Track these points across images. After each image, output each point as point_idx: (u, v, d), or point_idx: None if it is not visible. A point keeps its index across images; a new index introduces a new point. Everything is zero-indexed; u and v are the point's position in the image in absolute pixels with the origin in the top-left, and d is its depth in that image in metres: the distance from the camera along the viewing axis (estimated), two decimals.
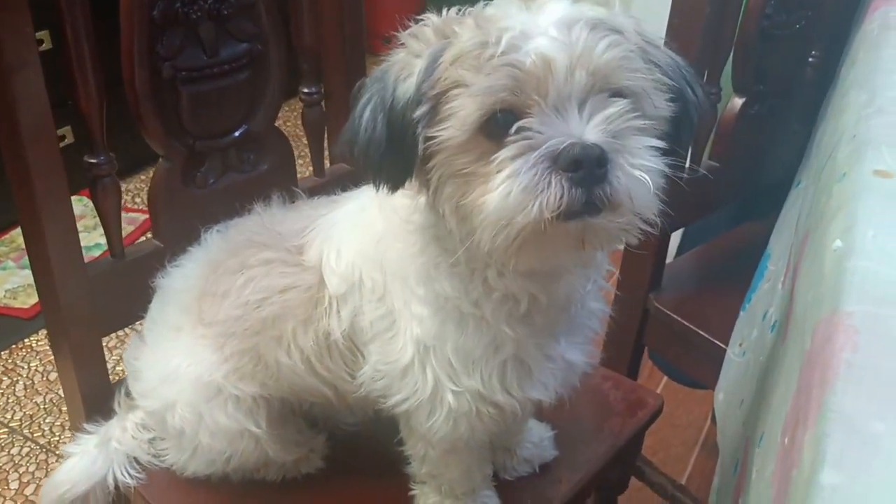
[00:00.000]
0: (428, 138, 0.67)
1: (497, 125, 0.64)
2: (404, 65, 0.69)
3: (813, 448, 0.40)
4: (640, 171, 0.64)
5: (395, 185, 0.71)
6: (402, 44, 0.71)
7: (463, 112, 0.64)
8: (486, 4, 0.71)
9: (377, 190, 0.72)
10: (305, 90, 1.20)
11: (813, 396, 0.44)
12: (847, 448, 0.39)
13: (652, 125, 0.67)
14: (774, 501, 0.49)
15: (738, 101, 1.31)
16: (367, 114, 0.69)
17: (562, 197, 0.62)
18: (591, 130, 0.63)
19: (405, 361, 0.81)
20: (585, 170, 0.62)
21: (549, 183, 0.62)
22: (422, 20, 0.71)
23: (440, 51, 0.67)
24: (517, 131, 0.64)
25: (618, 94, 0.66)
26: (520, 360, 0.81)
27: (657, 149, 0.66)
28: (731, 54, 1.27)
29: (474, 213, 0.66)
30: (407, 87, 0.68)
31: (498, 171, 0.64)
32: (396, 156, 0.68)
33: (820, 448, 0.39)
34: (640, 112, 0.66)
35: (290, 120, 2.84)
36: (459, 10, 0.72)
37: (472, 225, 0.67)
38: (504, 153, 0.64)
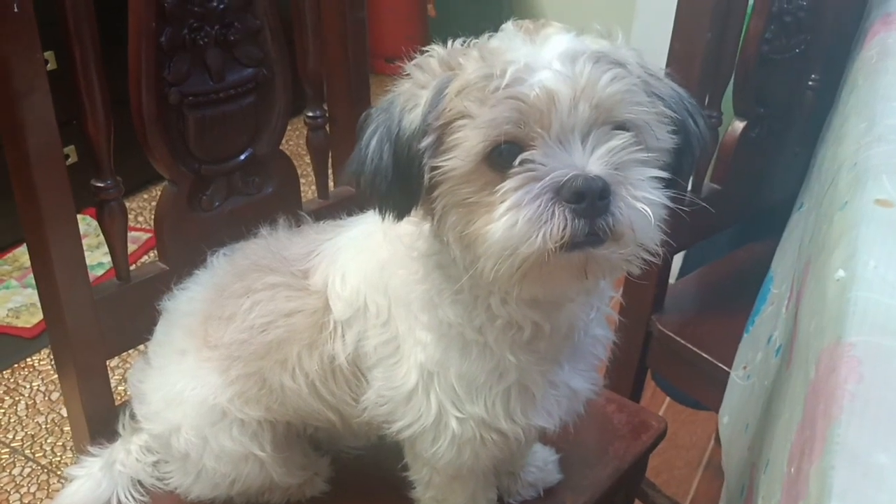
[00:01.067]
0: (433, 168, 0.68)
1: (501, 156, 0.66)
2: (410, 96, 0.70)
3: (819, 480, 0.40)
4: (642, 203, 0.65)
5: (400, 214, 0.72)
6: (408, 74, 0.72)
7: (468, 143, 0.66)
8: (490, 36, 0.72)
9: (382, 218, 0.72)
10: (310, 114, 1.21)
11: (818, 428, 0.45)
12: (852, 480, 0.39)
13: (654, 157, 0.68)
14: None
15: (739, 125, 1.32)
16: (373, 143, 0.70)
17: (565, 228, 0.63)
18: (594, 163, 0.64)
19: (409, 387, 0.82)
20: (588, 201, 0.63)
21: (553, 214, 0.63)
22: (427, 51, 0.72)
23: (446, 82, 0.68)
24: (521, 163, 0.65)
25: (620, 126, 0.67)
26: (524, 387, 0.81)
27: (659, 179, 0.67)
28: (732, 78, 1.29)
29: (478, 242, 0.67)
30: (413, 118, 0.69)
31: (502, 202, 0.65)
32: (402, 185, 0.69)
33: (826, 481, 0.39)
34: (642, 144, 0.67)
35: (292, 139, 2.85)
36: (465, 41, 0.73)
37: (475, 253, 0.68)
38: (508, 184, 0.65)
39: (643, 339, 1.37)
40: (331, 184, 1.29)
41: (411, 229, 0.79)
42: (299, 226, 0.98)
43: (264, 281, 0.90)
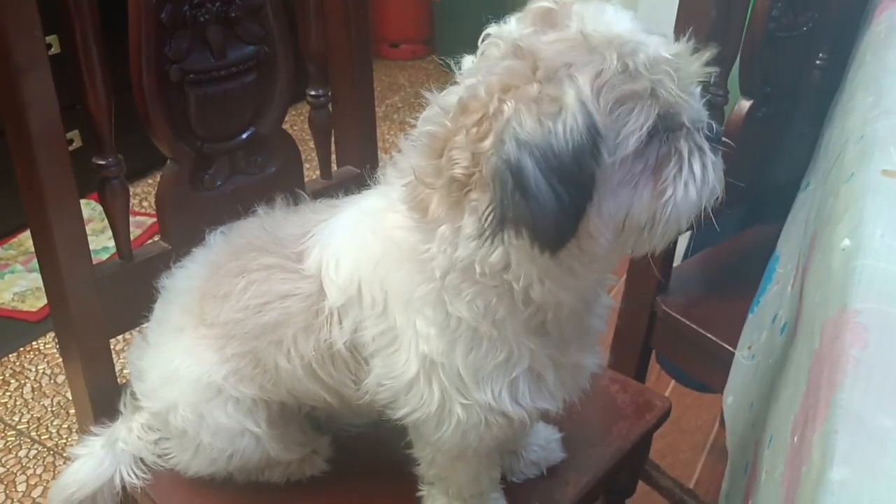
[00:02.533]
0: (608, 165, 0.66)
1: (666, 125, 0.68)
2: (535, 118, 0.64)
3: (822, 445, 0.40)
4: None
5: (567, 238, 0.68)
6: (489, 101, 0.66)
7: (641, 120, 0.66)
8: (506, 23, 0.71)
9: (552, 254, 0.68)
10: (312, 93, 1.20)
11: (822, 394, 0.44)
12: (856, 444, 0.39)
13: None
14: (784, 500, 0.48)
15: (746, 104, 1.31)
16: (542, 185, 0.63)
17: (721, 171, 0.72)
18: (705, 112, 0.72)
19: (409, 376, 0.81)
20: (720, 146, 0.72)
21: (715, 163, 0.72)
22: (491, 73, 0.68)
23: (575, 85, 0.64)
24: (677, 128, 0.69)
25: None
26: (533, 371, 0.81)
27: None
28: (738, 57, 1.27)
29: (644, 217, 0.69)
30: (570, 135, 0.63)
31: (678, 164, 0.69)
32: (575, 210, 0.66)
33: (829, 444, 0.39)
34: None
35: (296, 124, 2.85)
36: (483, 39, 0.71)
37: (634, 229, 0.70)
38: (683, 147, 0.70)
39: (648, 320, 1.36)
40: (333, 164, 1.28)
41: (404, 232, 0.77)
42: (297, 204, 0.97)
43: (259, 262, 0.89)
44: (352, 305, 0.83)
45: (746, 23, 1.25)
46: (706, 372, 1.35)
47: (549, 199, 0.63)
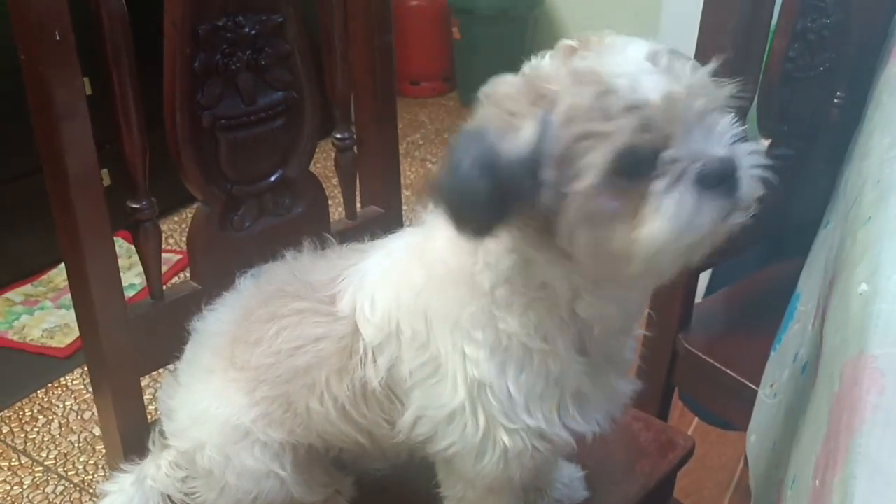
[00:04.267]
0: (562, 194, 0.69)
1: (633, 164, 0.68)
2: (501, 122, 0.70)
3: (841, 490, 0.41)
4: (756, 170, 0.72)
5: (479, 234, 0.73)
6: (484, 103, 0.73)
7: (599, 159, 0.67)
8: (541, 58, 0.73)
9: (463, 237, 0.73)
10: (338, 136, 1.23)
11: (841, 439, 0.45)
12: (873, 490, 0.39)
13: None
14: None
15: (764, 143, 1.33)
16: (465, 166, 0.70)
17: (718, 209, 0.69)
18: (718, 147, 0.70)
19: (454, 405, 0.82)
20: (729, 181, 0.69)
21: (707, 200, 0.69)
22: (499, 83, 0.73)
23: (548, 112, 0.69)
24: (662, 164, 0.68)
25: (716, 110, 0.72)
26: (579, 392, 0.82)
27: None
28: (756, 96, 1.29)
29: (621, 249, 0.70)
30: (514, 147, 0.69)
31: (653, 203, 0.68)
32: (495, 207, 0.70)
33: (848, 491, 0.40)
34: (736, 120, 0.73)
35: (319, 161, 2.89)
36: (528, 59, 0.74)
37: (614, 261, 0.71)
38: (657, 185, 0.68)
39: (669, 357, 1.36)
40: (358, 205, 1.31)
41: (449, 254, 0.81)
42: (324, 248, 1.00)
43: (291, 307, 0.91)
44: (389, 342, 0.85)
45: (764, 63, 1.27)
46: (729, 410, 1.35)
47: (463, 180, 0.69)
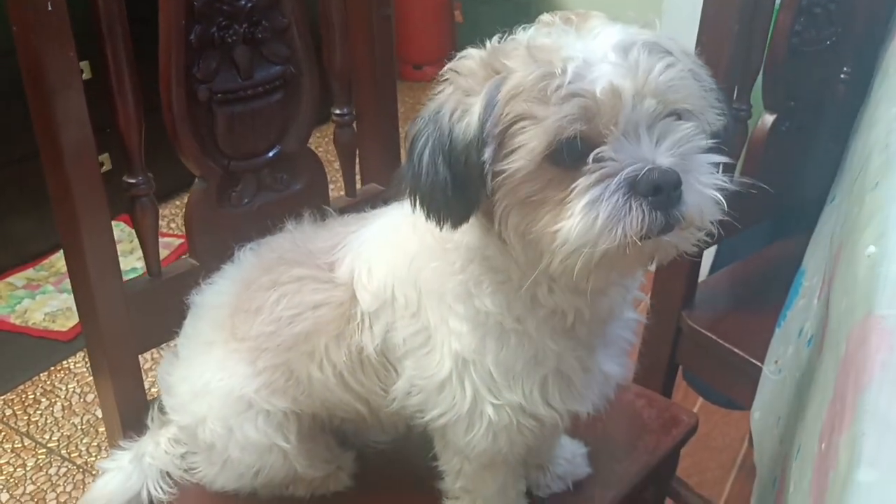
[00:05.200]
0: (496, 173, 0.68)
1: (566, 153, 0.66)
2: (456, 104, 0.69)
3: (849, 448, 0.40)
4: (710, 189, 0.67)
5: (457, 222, 0.71)
6: (447, 80, 0.72)
7: (532, 143, 0.65)
8: (524, 29, 0.71)
9: (441, 228, 0.72)
10: (337, 111, 1.22)
11: (848, 399, 0.44)
12: (883, 446, 0.38)
13: (709, 142, 0.69)
14: None
15: (769, 119, 1.31)
16: (426, 157, 0.69)
17: (643, 221, 0.65)
18: (664, 154, 0.66)
19: (442, 376, 0.82)
20: (664, 194, 0.65)
21: (631, 208, 0.64)
22: (463, 55, 0.72)
23: (496, 87, 0.67)
24: (593, 160, 0.65)
25: (678, 115, 0.68)
26: (561, 373, 0.82)
27: (716, 163, 0.69)
28: (762, 71, 1.27)
29: (545, 239, 0.67)
30: (466, 128, 0.68)
31: (575, 199, 0.65)
32: (460, 194, 0.69)
33: (856, 447, 0.39)
34: (699, 131, 0.69)
35: (321, 146, 2.88)
36: (501, 37, 0.72)
37: (540, 250, 0.69)
38: (581, 182, 0.65)
39: (673, 335, 1.35)
40: (358, 182, 1.29)
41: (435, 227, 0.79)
42: (324, 220, 0.99)
43: (290, 274, 0.91)
44: (384, 309, 0.84)
45: (769, 37, 1.25)
46: (733, 387, 1.34)
47: (427, 173, 0.69)
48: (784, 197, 1.42)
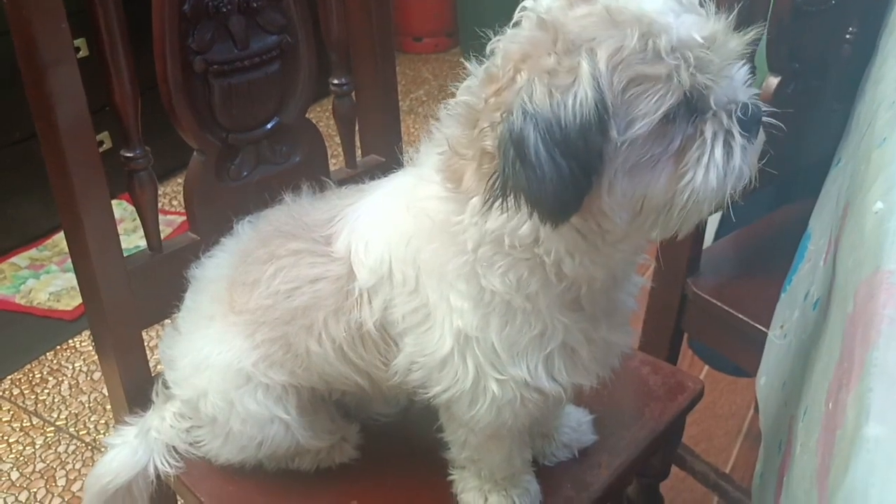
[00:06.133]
0: (613, 145, 0.65)
1: (685, 108, 0.67)
2: (547, 89, 0.65)
3: (857, 404, 0.39)
4: (768, 119, 0.73)
5: (571, 213, 0.68)
6: (509, 70, 0.68)
7: (659, 104, 0.65)
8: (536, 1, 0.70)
9: (554, 226, 0.69)
10: (335, 81, 1.20)
11: (856, 355, 0.43)
12: (891, 401, 0.38)
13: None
14: (819, 468, 0.47)
15: (773, 81, 1.29)
16: (542, 155, 0.64)
17: (755, 153, 0.71)
18: (746, 92, 0.70)
19: (443, 353, 0.81)
20: (759, 126, 0.71)
21: (746, 148, 0.69)
22: (503, 38, 0.70)
23: (593, 60, 0.64)
24: (707, 110, 0.68)
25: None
26: (566, 346, 0.81)
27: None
28: (765, 32, 1.25)
29: (659, 200, 0.68)
30: (579, 109, 0.64)
31: (701, 147, 0.68)
32: (579, 184, 0.66)
33: (863, 403, 0.38)
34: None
35: (321, 120, 2.86)
36: (521, 10, 0.70)
37: (648, 209, 0.69)
38: (707, 132, 0.68)
39: (679, 302, 1.34)
40: (358, 154, 1.28)
41: (437, 203, 0.78)
42: (323, 192, 0.98)
43: (287, 247, 0.90)
44: (382, 285, 0.83)
45: None
46: (738, 353, 1.33)
47: (549, 171, 0.64)
48: (789, 161, 1.40)
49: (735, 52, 0.69)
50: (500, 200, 0.68)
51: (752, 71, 0.76)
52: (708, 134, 0.68)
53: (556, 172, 0.64)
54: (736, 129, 0.68)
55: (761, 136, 0.72)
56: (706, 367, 1.96)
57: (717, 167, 0.68)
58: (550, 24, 0.67)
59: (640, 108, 0.65)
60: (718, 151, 0.68)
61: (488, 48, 0.72)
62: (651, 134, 0.66)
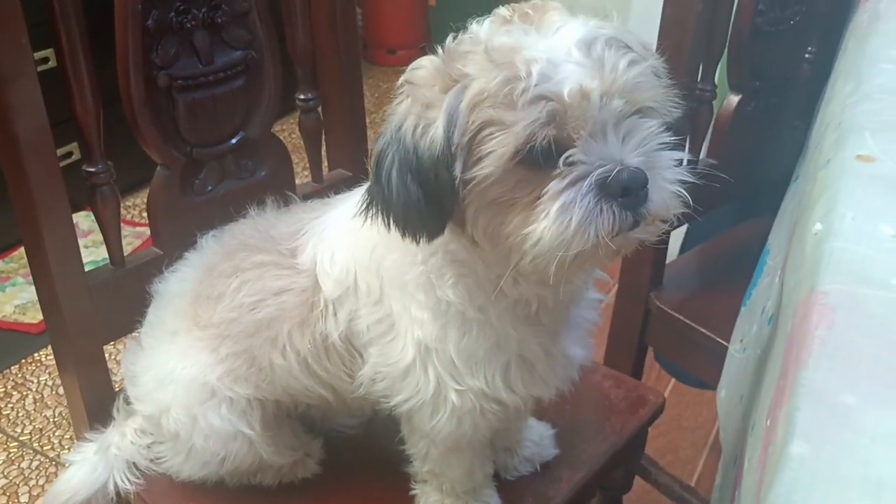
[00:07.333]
0: (466, 181, 0.67)
1: (535, 156, 0.65)
2: (417, 119, 0.68)
3: (785, 422, 0.40)
4: (674, 185, 0.68)
5: (433, 235, 0.71)
6: (402, 92, 0.71)
7: (501, 149, 0.65)
8: (480, 25, 0.70)
9: (417, 243, 0.71)
10: (301, 97, 1.21)
11: (789, 374, 0.44)
12: (816, 420, 0.39)
13: (671, 137, 0.70)
14: (758, 485, 0.49)
15: (734, 99, 1.31)
16: (394, 177, 0.68)
17: (613, 221, 0.66)
18: (631, 154, 0.66)
19: (406, 363, 0.82)
20: (633, 193, 0.66)
21: (602, 210, 0.65)
22: (416, 66, 0.71)
23: (457, 98, 0.66)
24: (563, 163, 0.65)
25: (641, 112, 0.68)
26: (523, 358, 0.82)
27: (679, 158, 0.70)
28: (726, 51, 1.27)
29: (516, 240, 0.68)
30: (431, 144, 0.67)
31: (547, 202, 0.66)
32: (433, 209, 0.69)
33: (791, 421, 0.39)
34: (662, 127, 0.69)
35: (289, 134, 2.86)
36: (455, 37, 0.71)
37: (508, 248, 0.69)
38: (554, 185, 0.65)
39: (642, 316, 1.36)
40: (325, 169, 1.29)
41: None
42: (288, 206, 0.98)
43: (252, 260, 0.90)
44: (347, 297, 0.84)
45: (733, 17, 1.25)
46: (701, 367, 1.35)
47: (397, 192, 0.69)
48: (750, 178, 1.43)
49: (618, 112, 0.66)
50: (368, 209, 0.73)
51: (670, 128, 0.70)
52: (555, 188, 0.65)
53: (405, 195, 0.68)
54: (584, 190, 0.65)
55: (659, 202, 0.67)
56: (673, 381, 1.98)
57: (549, 223, 0.65)
58: (449, 56, 0.69)
59: (486, 148, 0.66)
60: (554, 208, 0.65)
61: (401, 80, 0.73)
62: (507, 176, 0.66)
